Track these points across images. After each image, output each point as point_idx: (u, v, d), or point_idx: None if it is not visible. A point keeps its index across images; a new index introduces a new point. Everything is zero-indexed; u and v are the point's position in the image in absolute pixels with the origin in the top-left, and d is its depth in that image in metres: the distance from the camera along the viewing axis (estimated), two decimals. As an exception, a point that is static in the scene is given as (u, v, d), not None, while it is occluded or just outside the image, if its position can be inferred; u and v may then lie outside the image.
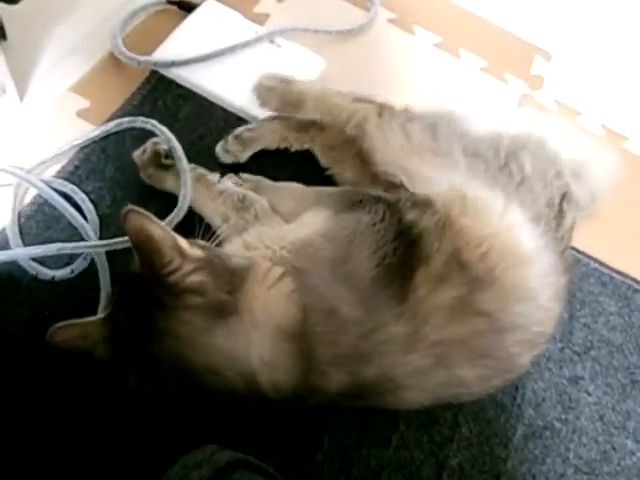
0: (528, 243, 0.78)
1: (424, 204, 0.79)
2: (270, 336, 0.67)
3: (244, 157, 0.96)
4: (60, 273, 0.83)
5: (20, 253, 0.83)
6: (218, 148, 0.95)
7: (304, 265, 0.72)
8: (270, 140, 0.97)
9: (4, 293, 0.81)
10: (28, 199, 0.89)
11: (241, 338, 0.67)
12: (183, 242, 0.67)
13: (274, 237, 0.76)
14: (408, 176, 0.85)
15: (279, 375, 0.68)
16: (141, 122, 0.95)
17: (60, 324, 0.66)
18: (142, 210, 0.64)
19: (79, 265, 0.84)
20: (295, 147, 0.98)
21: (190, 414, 0.73)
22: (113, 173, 0.93)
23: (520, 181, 0.83)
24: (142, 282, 0.66)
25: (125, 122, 0.95)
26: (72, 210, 0.87)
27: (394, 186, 0.86)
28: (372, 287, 0.72)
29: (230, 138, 0.95)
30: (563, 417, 0.90)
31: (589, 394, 0.92)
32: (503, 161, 0.84)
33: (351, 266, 0.73)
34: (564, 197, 0.84)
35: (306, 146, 0.98)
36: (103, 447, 0.74)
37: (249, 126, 0.97)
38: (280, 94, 0.95)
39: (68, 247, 0.84)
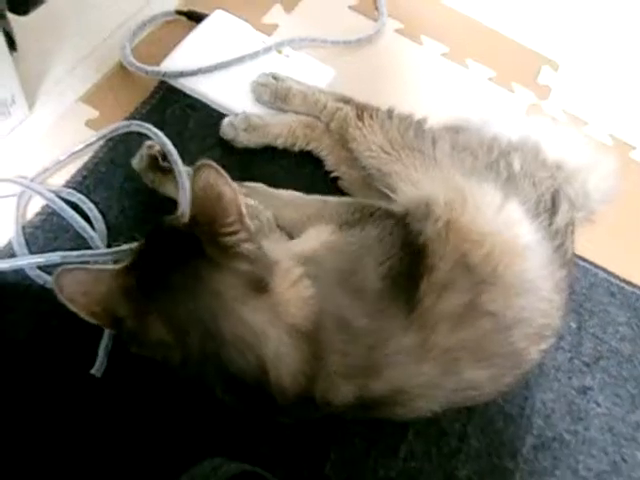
0: (526, 237, 0.78)
1: (425, 208, 0.80)
2: (288, 331, 0.67)
3: (243, 141, 0.97)
4: None
5: (22, 262, 0.83)
6: (226, 120, 0.98)
7: (317, 273, 0.71)
8: (277, 132, 0.98)
9: (11, 303, 0.81)
10: (35, 209, 0.89)
11: (267, 318, 0.66)
12: (245, 210, 0.68)
13: (279, 250, 0.76)
14: (394, 181, 0.86)
15: (286, 376, 0.67)
16: (135, 126, 0.95)
17: (69, 266, 0.65)
18: (218, 167, 0.65)
19: None
20: (300, 145, 0.99)
21: (198, 425, 0.73)
22: (121, 183, 0.93)
23: (507, 177, 0.83)
24: (187, 236, 0.65)
25: (121, 127, 0.96)
26: (81, 220, 0.87)
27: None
28: (380, 299, 0.72)
29: (241, 114, 0.98)
30: (572, 428, 0.89)
31: (598, 405, 0.92)
32: (494, 158, 0.85)
33: (358, 278, 0.73)
34: (555, 195, 0.84)
35: (311, 146, 0.99)
36: (109, 459, 0.74)
37: (261, 114, 1.00)
38: (272, 89, 1.01)
39: (72, 255, 0.84)
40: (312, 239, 0.79)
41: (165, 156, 0.91)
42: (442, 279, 0.73)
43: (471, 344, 0.73)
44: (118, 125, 0.96)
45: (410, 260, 0.75)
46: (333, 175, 0.98)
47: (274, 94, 1.01)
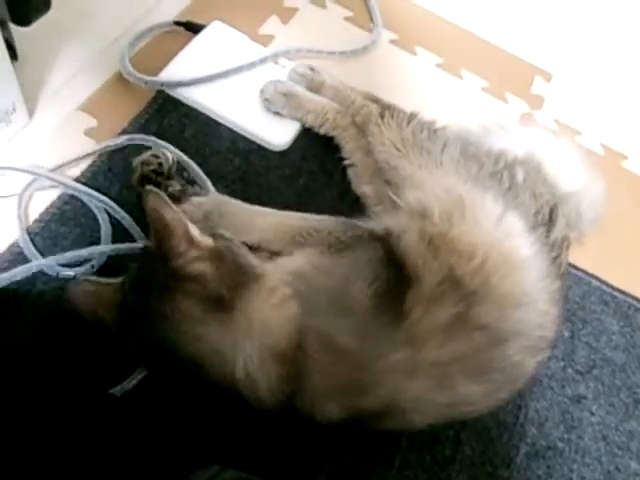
0: (525, 249, 0.79)
1: (421, 215, 0.81)
2: (261, 352, 0.68)
3: (277, 106, 1.04)
4: (82, 269, 0.84)
5: (49, 261, 0.84)
6: (270, 80, 1.05)
7: (304, 291, 0.72)
8: (311, 108, 1.04)
9: (9, 310, 0.81)
10: (34, 215, 0.90)
11: (229, 338, 0.68)
12: (194, 230, 0.71)
13: (270, 266, 0.76)
14: (400, 178, 0.89)
15: (261, 393, 0.69)
16: (140, 140, 0.97)
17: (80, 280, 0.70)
18: (160, 193, 0.69)
19: (99, 260, 0.86)
20: (326, 128, 1.04)
21: (194, 434, 0.73)
22: (118, 191, 0.93)
23: (508, 187, 0.85)
24: (153, 259, 0.69)
25: (142, 139, 0.97)
26: (108, 200, 0.90)
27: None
28: (368, 318, 0.72)
29: (285, 80, 1.07)
30: (566, 437, 0.90)
31: (592, 414, 0.92)
32: (499, 169, 0.87)
33: (347, 299, 0.73)
34: (553, 209, 0.86)
35: (335, 132, 1.03)
36: (103, 471, 0.73)
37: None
38: (308, 79, 1.08)
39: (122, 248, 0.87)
40: (301, 259, 0.79)
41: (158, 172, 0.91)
42: (430, 292, 0.73)
43: (463, 358, 0.73)
44: (144, 136, 0.97)
45: (397, 278, 0.75)
46: (347, 162, 1.02)
47: (309, 84, 1.07)
